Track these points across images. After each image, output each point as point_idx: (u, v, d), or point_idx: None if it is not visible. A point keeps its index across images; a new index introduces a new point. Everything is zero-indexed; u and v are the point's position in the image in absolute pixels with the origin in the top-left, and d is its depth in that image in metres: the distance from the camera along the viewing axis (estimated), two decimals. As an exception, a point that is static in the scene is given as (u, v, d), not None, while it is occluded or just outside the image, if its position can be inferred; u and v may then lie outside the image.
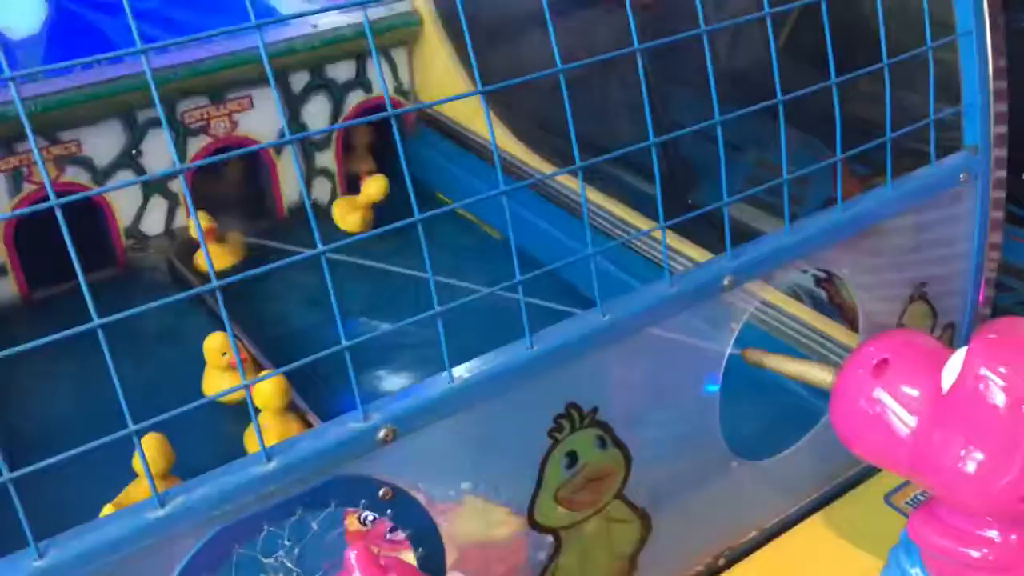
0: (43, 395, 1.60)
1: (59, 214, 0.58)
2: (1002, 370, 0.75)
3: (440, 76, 2.14)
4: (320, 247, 0.68)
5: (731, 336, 0.99)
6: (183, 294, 0.64)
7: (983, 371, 0.75)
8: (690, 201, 1.92)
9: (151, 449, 1.26)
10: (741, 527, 1.11)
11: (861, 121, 1.18)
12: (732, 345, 0.99)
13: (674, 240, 1.58)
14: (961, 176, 1.12)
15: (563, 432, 0.88)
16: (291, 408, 1.44)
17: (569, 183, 1.81)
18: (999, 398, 0.75)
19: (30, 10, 1.90)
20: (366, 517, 0.98)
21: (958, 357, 0.79)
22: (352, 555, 0.62)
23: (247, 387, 0.69)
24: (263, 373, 1.51)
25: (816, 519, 1.14)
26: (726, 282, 0.93)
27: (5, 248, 1.81)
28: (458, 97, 0.82)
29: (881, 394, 0.84)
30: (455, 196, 2.03)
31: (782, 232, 0.98)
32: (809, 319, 1.42)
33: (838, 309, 1.49)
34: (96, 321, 0.60)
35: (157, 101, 0.62)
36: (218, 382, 1.55)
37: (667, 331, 0.93)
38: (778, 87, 0.89)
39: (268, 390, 1.39)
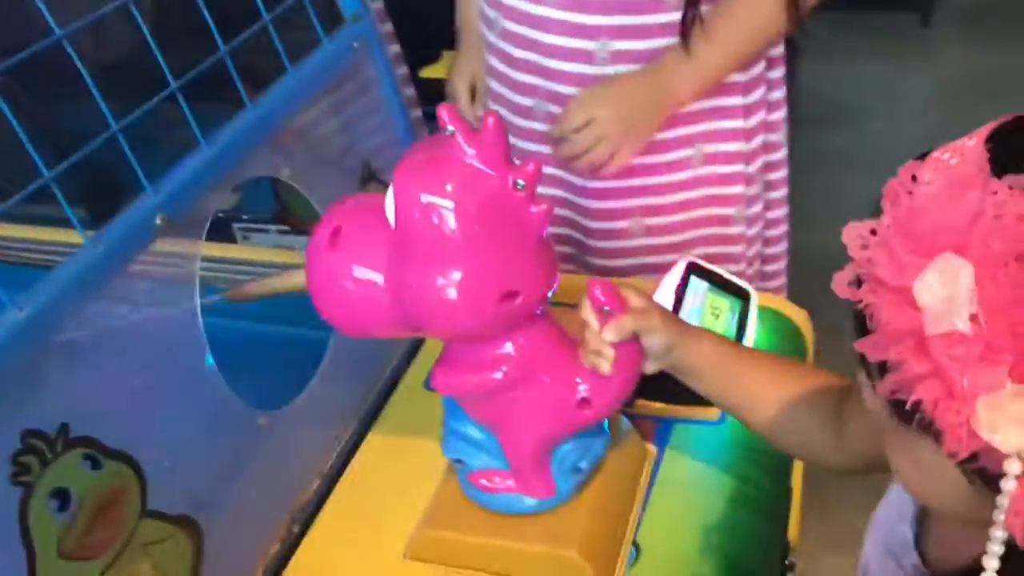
0: None
1: None
2: (435, 188, 0.71)
3: None
4: None
5: (194, 289, 0.84)
6: None
7: (424, 198, 0.71)
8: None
9: None
10: (300, 482, 0.99)
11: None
12: (200, 298, 0.85)
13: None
14: (356, 44, 1.07)
15: (33, 472, 0.67)
16: None
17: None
18: (444, 216, 0.71)
19: None
20: None
21: (390, 192, 0.74)
22: None
23: None
24: None
25: (371, 440, 1.05)
26: (159, 221, 0.77)
27: None
28: None
29: (343, 263, 0.76)
30: None
31: (198, 150, 0.84)
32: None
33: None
34: None
35: None
36: None
37: (111, 305, 0.75)
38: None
39: None
